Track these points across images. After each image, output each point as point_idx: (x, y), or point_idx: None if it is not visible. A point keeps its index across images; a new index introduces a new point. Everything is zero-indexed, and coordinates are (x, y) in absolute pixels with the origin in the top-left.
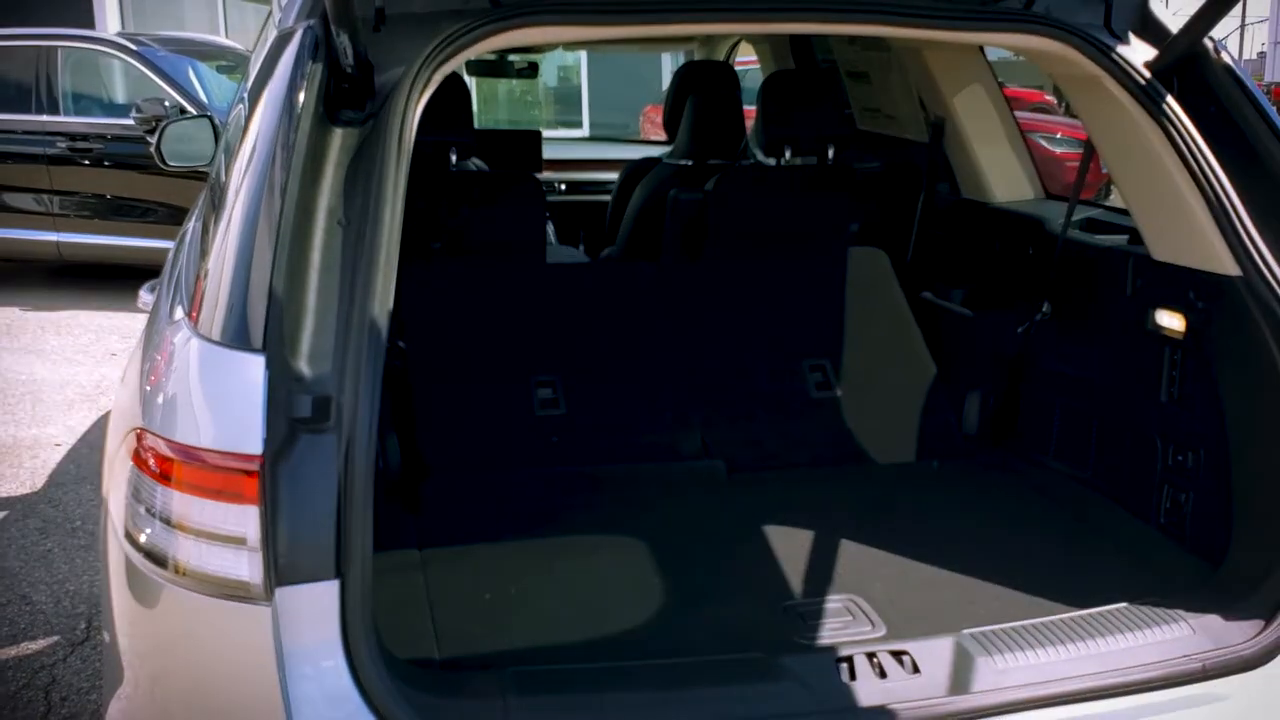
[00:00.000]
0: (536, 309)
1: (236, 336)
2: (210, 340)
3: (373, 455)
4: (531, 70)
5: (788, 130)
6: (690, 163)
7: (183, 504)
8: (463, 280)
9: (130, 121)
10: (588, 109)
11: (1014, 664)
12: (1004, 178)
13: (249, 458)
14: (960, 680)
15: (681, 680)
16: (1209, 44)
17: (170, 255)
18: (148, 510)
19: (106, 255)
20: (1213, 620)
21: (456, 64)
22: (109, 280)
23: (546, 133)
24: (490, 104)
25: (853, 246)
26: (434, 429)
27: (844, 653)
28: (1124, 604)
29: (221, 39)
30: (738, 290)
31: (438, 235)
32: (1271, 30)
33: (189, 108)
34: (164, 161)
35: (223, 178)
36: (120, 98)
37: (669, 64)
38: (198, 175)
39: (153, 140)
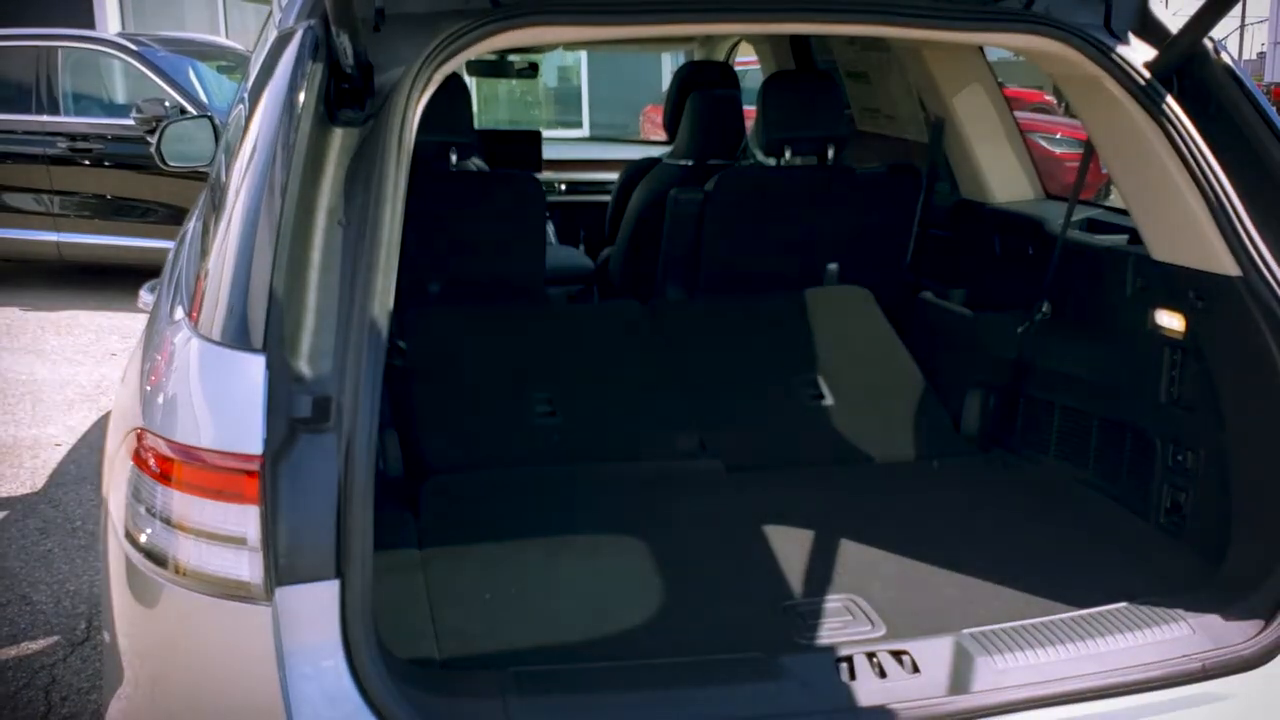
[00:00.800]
0: (533, 343)
1: (236, 336)
2: (210, 340)
3: (373, 455)
4: (531, 70)
5: (788, 130)
6: (690, 163)
7: (183, 504)
8: (460, 321)
9: (130, 121)
10: (588, 109)
11: (1014, 664)
12: (1004, 178)
13: (249, 458)
14: (960, 680)
15: (681, 680)
16: (1209, 44)
17: (170, 255)
18: (148, 510)
19: (106, 255)
20: (1213, 620)
21: (457, 64)
22: (109, 280)
23: (546, 133)
24: (490, 104)
25: (837, 285)
26: (432, 440)
27: (844, 653)
28: (1124, 604)
29: (221, 39)
30: (730, 322)
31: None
32: (1271, 30)
33: (189, 108)
34: (164, 161)
35: (223, 178)
36: (120, 98)
37: (669, 64)
38: (198, 175)
39: (153, 140)
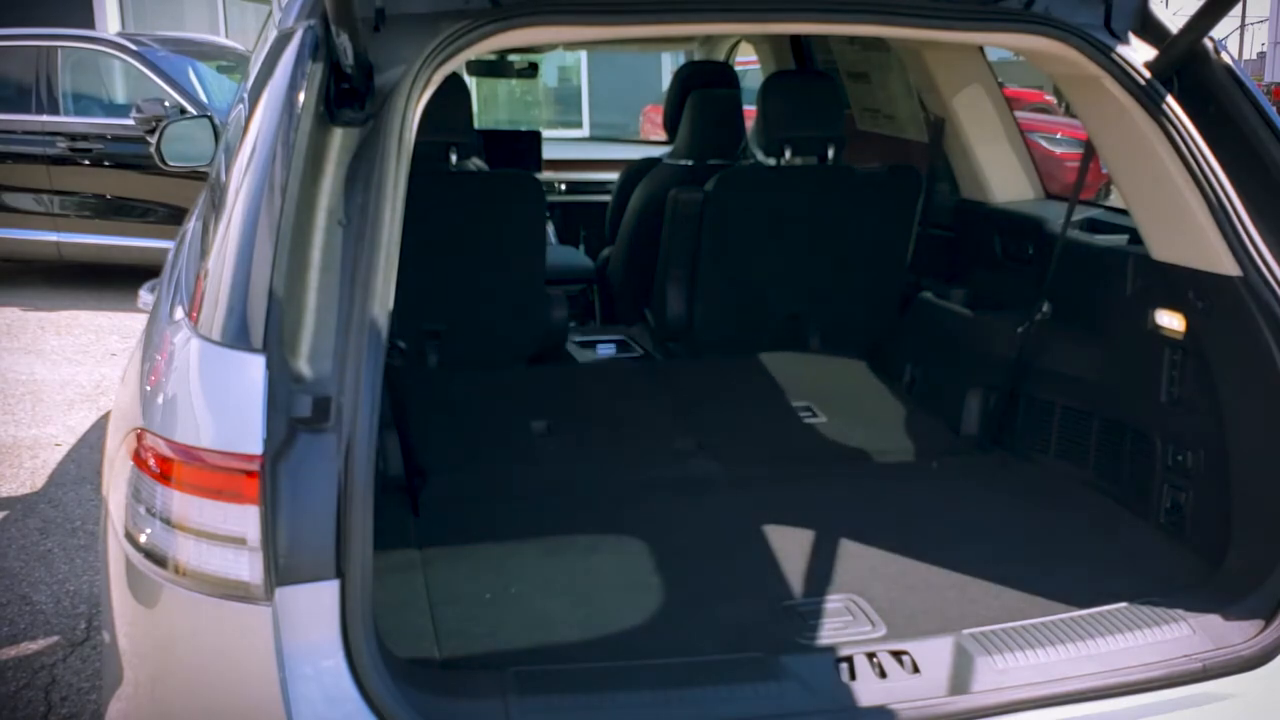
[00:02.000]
0: (530, 387)
1: (236, 336)
2: (210, 340)
3: (373, 455)
4: (531, 70)
5: (788, 130)
6: (690, 163)
7: (183, 504)
8: (458, 385)
9: (130, 121)
10: (588, 109)
11: (1014, 664)
12: (1004, 178)
13: (249, 458)
14: (960, 680)
15: (681, 680)
16: (1209, 44)
17: (170, 255)
18: (148, 510)
19: (106, 255)
20: (1213, 620)
21: (457, 64)
22: (109, 280)
23: (546, 133)
24: (490, 104)
25: (832, 357)
26: (432, 442)
27: (844, 653)
28: (1124, 604)
29: (221, 39)
30: (726, 369)
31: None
32: (1271, 30)
33: (189, 108)
34: (164, 161)
35: (223, 178)
36: (120, 98)
37: (669, 64)
38: (198, 175)
39: (153, 140)
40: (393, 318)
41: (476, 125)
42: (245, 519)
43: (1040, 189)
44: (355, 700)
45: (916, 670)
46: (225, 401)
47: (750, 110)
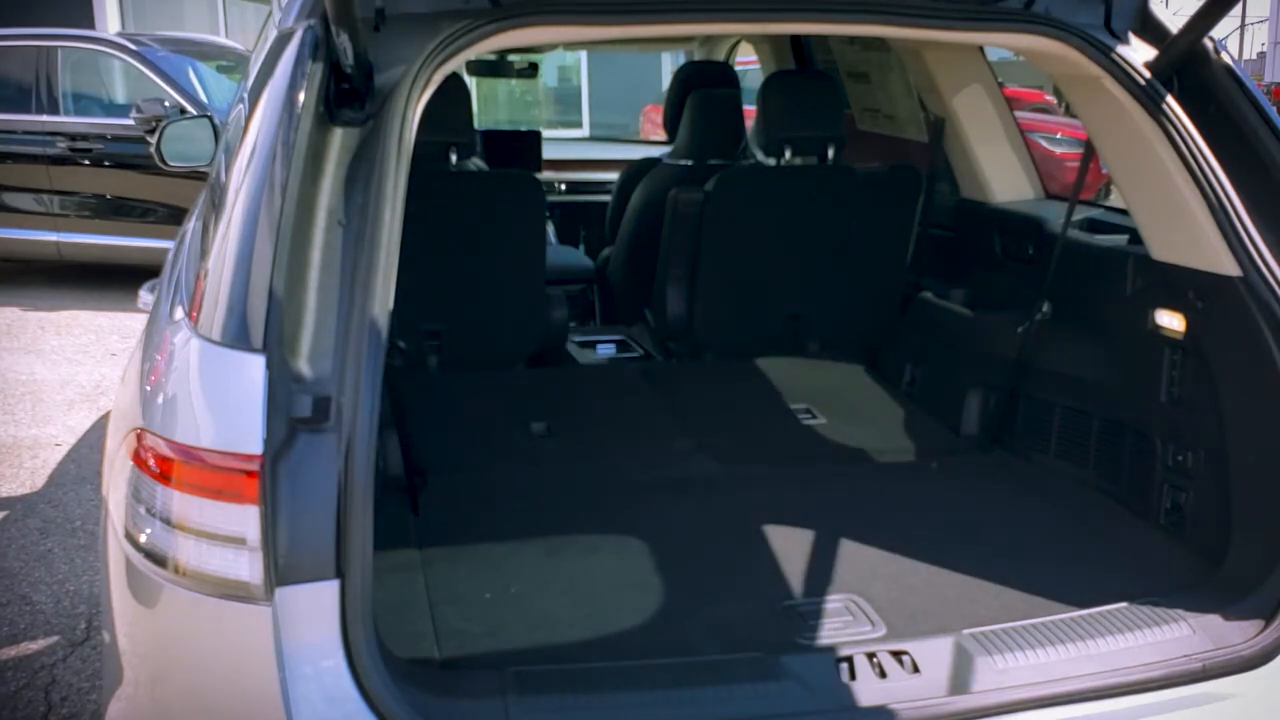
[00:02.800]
0: (529, 390)
1: (236, 336)
2: (210, 340)
3: (373, 455)
4: (531, 70)
5: (788, 130)
6: (690, 163)
7: (183, 504)
8: (458, 386)
9: (130, 121)
10: (588, 109)
11: (1014, 664)
12: (1004, 178)
13: (249, 458)
14: (960, 680)
15: (681, 680)
16: (1209, 44)
17: (170, 255)
18: (148, 510)
19: (106, 255)
20: (1213, 620)
21: (457, 64)
22: (109, 280)
23: (546, 133)
24: (490, 104)
25: (833, 362)
26: (432, 441)
27: (844, 653)
28: (1124, 604)
29: (221, 39)
30: (725, 373)
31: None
32: (1271, 30)
33: (189, 108)
34: (164, 161)
35: (223, 178)
36: (120, 98)
37: (669, 64)
38: (198, 175)
39: (153, 140)
40: (393, 318)
41: (476, 125)
42: (245, 519)
43: (1040, 189)
44: (355, 700)
45: (916, 670)
46: (225, 401)
47: (750, 110)
